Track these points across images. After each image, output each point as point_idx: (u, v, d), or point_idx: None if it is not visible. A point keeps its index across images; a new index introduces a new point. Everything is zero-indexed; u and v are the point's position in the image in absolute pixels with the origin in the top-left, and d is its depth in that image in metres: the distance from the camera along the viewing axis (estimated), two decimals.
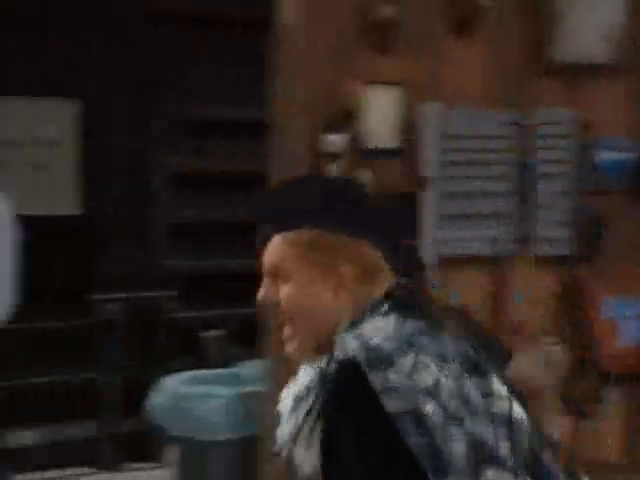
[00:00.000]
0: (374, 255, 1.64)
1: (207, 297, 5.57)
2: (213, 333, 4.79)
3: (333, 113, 2.90)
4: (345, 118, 2.92)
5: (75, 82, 5.34)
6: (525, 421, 1.51)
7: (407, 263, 1.75)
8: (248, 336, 3.51)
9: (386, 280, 1.65)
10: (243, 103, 5.43)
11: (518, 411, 1.51)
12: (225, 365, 4.17)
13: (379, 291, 1.63)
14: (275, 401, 1.64)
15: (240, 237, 5.06)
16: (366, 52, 2.95)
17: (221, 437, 3.58)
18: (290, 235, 1.62)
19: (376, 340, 1.50)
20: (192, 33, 5.62)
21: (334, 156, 2.89)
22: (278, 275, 1.63)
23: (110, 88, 5.45)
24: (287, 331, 1.64)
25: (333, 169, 2.88)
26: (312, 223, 1.62)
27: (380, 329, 1.52)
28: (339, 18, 2.91)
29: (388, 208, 1.80)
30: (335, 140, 2.90)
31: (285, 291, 1.62)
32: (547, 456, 1.53)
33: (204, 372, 4.05)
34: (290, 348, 1.65)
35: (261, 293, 1.66)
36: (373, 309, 1.59)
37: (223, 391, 3.66)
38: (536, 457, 1.51)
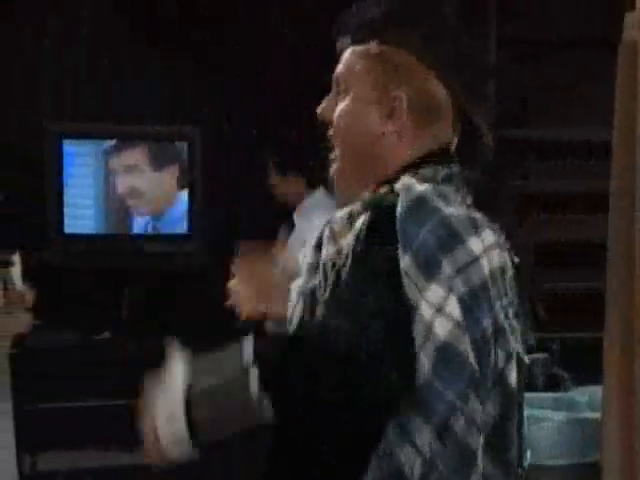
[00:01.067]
0: (440, 91, 1.51)
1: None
2: (538, 356, 4.73)
3: None
4: None
5: None
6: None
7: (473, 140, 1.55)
8: (570, 359, 3.44)
9: (447, 131, 1.53)
10: (590, 123, 5.37)
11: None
12: (552, 389, 4.11)
13: (439, 139, 1.51)
14: (612, 429, 1.62)
15: (589, 259, 4.96)
16: None
17: (550, 462, 3.54)
18: (360, 47, 1.53)
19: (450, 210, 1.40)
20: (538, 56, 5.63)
21: None
22: (340, 90, 1.55)
23: None
24: (334, 152, 1.55)
25: None
26: (383, 36, 1.51)
27: (447, 198, 1.42)
28: None
29: (473, 44, 1.59)
30: None
31: (340, 106, 1.54)
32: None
33: (532, 395, 4.01)
34: (333, 169, 1.57)
35: (320, 107, 1.58)
36: (436, 168, 1.46)
37: (555, 415, 3.62)
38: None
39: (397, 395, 1.32)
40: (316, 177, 3.88)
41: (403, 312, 1.34)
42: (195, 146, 5.11)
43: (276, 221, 3.98)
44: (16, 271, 4.16)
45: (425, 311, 1.34)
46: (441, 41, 1.53)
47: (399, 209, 1.37)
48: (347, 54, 1.55)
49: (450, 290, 1.35)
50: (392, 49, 1.51)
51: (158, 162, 5.12)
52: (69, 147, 5.04)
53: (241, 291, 1.87)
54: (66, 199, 5.04)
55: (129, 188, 5.09)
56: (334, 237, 1.42)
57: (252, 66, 5.18)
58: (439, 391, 1.32)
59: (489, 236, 1.43)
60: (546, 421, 3.58)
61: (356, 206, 1.43)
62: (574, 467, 3.46)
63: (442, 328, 1.34)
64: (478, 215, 1.44)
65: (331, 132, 1.56)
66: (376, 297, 1.33)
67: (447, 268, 1.36)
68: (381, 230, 1.37)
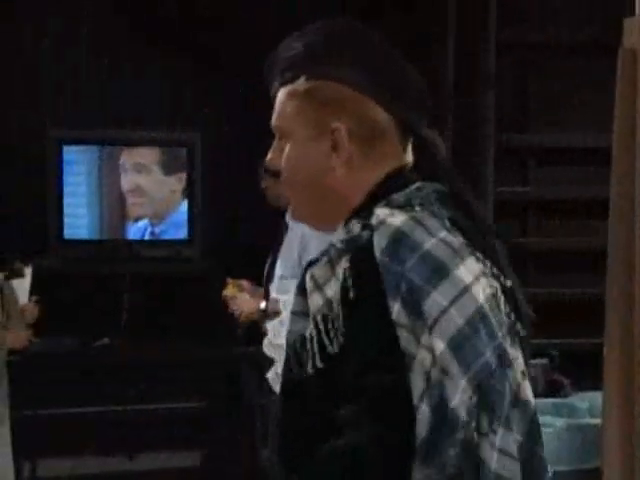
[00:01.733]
0: (379, 113, 1.46)
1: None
2: (538, 362, 4.74)
3: None
4: None
5: None
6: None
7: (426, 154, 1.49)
8: (570, 366, 3.44)
9: (396, 151, 1.48)
10: (590, 129, 5.39)
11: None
12: (552, 395, 4.13)
13: (389, 161, 1.47)
14: (613, 435, 1.62)
15: (589, 265, 4.97)
16: None
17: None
18: (289, 86, 1.48)
19: (431, 241, 1.35)
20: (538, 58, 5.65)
21: None
22: (281, 136, 1.50)
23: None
24: (286, 194, 1.52)
25: None
26: (308, 71, 1.46)
27: (426, 227, 1.36)
28: None
29: (408, 65, 1.51)
30: None
31: (285, 152, 1.49)
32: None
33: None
34: (291, 211, 1.55)
35: (267, 158, 1.53)
36: (407, 192, 1.41)
37: (555, 421, 3.63)
38: None
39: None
40: None
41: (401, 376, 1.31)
42: (195, 151, 5.13)
43: (275, 225, 4.01)
44: (25, 283, 4.16)
45: (421, 356, 1.31)
46: (368, 64, 1.48)
47: (377, 248, 1.34)
48: (280, 97, 1.49)
49: (431, 328, 1.31)
50: (320, 82, 1.46)
51: (167, 165, 5.13)
52: (68, 153, 5.06)
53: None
54: (65, 205, 5.06)
55: (134, 186, 5.08)
56: (318, 286, 1.38)
57: (252, 69, 5.20)
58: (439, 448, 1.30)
59: (474, 265, 1.39)
60: (546, 427, 3.59)
61: (332, 248, 1.39)
62: (574, 473, 3.47)
63: (435, 375, 1.31)
64: (460, 240, 1.40)
65: (282, 179, 1.52)
66: (376, 368, 1.32)
67: (434, 303, 1.32)
68: (364, 276, 1.34)
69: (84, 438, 5.05)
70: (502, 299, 1.41)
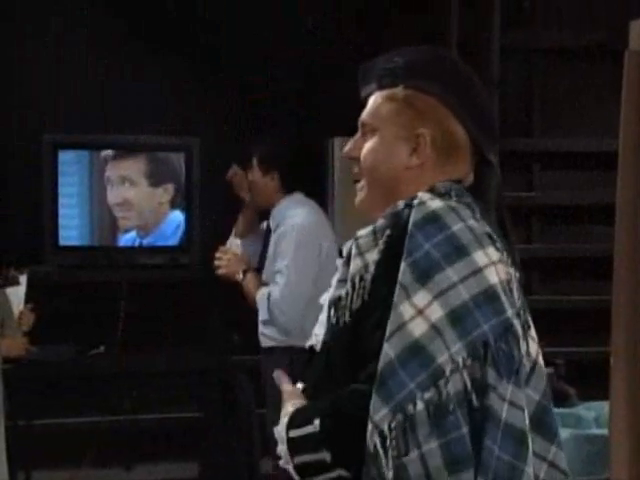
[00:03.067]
0: (459, 131, 1.72)
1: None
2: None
3: None
4: None
5: None
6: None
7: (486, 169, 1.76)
8: (576, 375, 3.43)
9: (464, 167, 1.73)
10: (596, 133, 5.40)
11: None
12: (557, 405, 4.11)
13: (457, 173, 1.71)
14: (620, 444, 1.63)
15: (595, 272, 4.97)
16: None
17: None
18: (387, 91, 1.74)
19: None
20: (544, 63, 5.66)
21: None
22: (366, 130, 1.76)
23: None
24: (360, 183, 1.76)
25: None
26: (408, 82, 1.72)
27: (459, 214, 1.60)
28: None
29: (486, 95, 1.82)
30: None
31: (368, 144, 1.75)
32: None
33: None
34: (358, 199, 1.78)
35: (347, 146, 1.79)
36: (450, 183, 1.66)
37: (561, 432, 3.60)
38: None
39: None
40: (295, 182, 3.93)
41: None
42: (193, 155, 5.13)
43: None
44: (21, 291, 4.15)
45: (405, 311, 1.52)
46: (458, 87, 1.74)
47: (410, 223, 1.58)
48: (374, 98, 1.75)
49: (438, 296, 1.52)
50: (416, 93, 1.72)
51: (154, 177, 5.12)
52: (62, 157, 5.05)
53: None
54: (61, 211, 5.05)
55: (121, 199, 5.09)
56: (360, 252, 1.62)
57: (251, 74, 5.20)
58: (401, 379, 1.49)
59: (493, 253, 1.60)
60: None
61: (380, 222, 1.63)
62: None
63: (417, 328, 1.51)
64: (487, 229, 1.63)
65: (358, 167, 1.76)
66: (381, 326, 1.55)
67: (447, 278, 1.53)
68: (393, 243, 1.58)
69: (80, 449, 5.05)
70: (515, 286, 1.62)
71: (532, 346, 1.64)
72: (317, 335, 1.71)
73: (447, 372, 1.49)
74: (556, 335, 4.98)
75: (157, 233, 5.16)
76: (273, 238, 3.92)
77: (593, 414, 3.68)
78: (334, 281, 1.68)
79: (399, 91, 1.73)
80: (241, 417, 4.74)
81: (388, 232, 1.60)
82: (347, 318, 1.62)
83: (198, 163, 5.13)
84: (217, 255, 3.99)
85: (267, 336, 3.91)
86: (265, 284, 3.93)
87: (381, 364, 1.50)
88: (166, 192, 5.12)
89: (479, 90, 1.78)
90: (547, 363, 4.33)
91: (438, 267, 1.54)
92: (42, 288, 4.37)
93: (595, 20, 5.62)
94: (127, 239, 5.15)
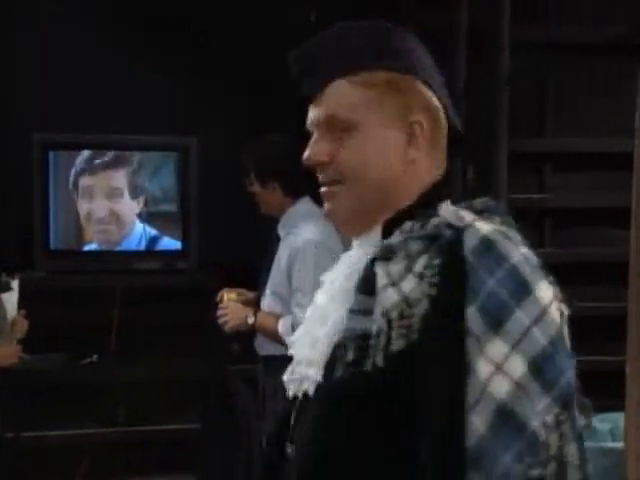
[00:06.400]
0: (440, 109, 1.53)
1: None
2: None
3: None
4: None
5: None
6: None
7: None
8: (591, 385, 3.42)
9: (444, 154, 1.54)
10: (607, 133, 5.39)
11: None
12: None
13: (443, 164, 1.53)
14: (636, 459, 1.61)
15: (610, 277, 4.95)
16: None
17: None
18: (359, 77, 1.49)
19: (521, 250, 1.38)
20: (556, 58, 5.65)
21: None
22: (335, 127, 1.50)
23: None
24: (334, 189, 1.51)
25: None
26: (385, 62, 1.49)
27: (513, 240, 1.40)
28: None
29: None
30: None
31: (350, 144, 1.49)
32: None
33: None
34: (332, 207, 1.53)
35: (309, 151, 1.53)
36: (484, 200, 1.48)
37: None
38: None
39: None
40: (298, 187, 3.90)
41: None
42: (190, 156, 5.12)
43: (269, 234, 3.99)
44: (13, 297, 4.15)
45: (483, 369, 1.32)
46: (426, 60, 1.55)
47: (466, 249, 1.36)
48: (339, 89, 1.50)
49: (515, 346, 1.32)
50: (397, 75, 1.50)
51: (134, 190, 5.11)
52: (53, 158, 5.05)
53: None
54: (51, 213, 5.05)
55: (87, 212, 5.07)
56: (393, 282, 1.39)
57: (248, 74, 5.20)
58: (495, 453, 1.30)
59: (547, 285, 1.41)
60: None
61: (409, 244, 1.42)
62: None
63: (499, 388, 1.31)
64: (537, 259, 1.42)
65: (328, 172, 1.52)
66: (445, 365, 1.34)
67: (518, 321, 1.33)
68: (449, 275, 1.36)
69: (72, 462, 5.04)
70: (566, 325, 1.43)
71: None
72: (308, 378, 1.49)
73: (543, 437, 1.31)
74: (570, 344, 4.95)
75: (122, 245, 5.15)
76: (283, 247, 3.88)
77: (608, 426, 3.67)
78: (341, 311, 1.47)
79: (379, 75, 1.49)
80: (240, 428, 4.73)
81: (429, 259, 1.38)
82: (380, 362, 1.37)
83: (195, 164, 5.12)
84: (218, 313, 3.93)
85: (265, 346, 3.89)
86: (272, 294, 3.87)
87: (472, 441, 1.30)
88: (138, 205, 5.13)
89: (431, 59, 1.58)
90: None
91: (508, 310, 1.33)
92: (32, 294, 4.36)
93: (612, 14, 5.61)
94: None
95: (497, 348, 1.32)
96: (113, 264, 5.12)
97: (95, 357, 5.02)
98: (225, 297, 3.94)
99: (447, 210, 1.46)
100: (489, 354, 1.32)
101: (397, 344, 1.36)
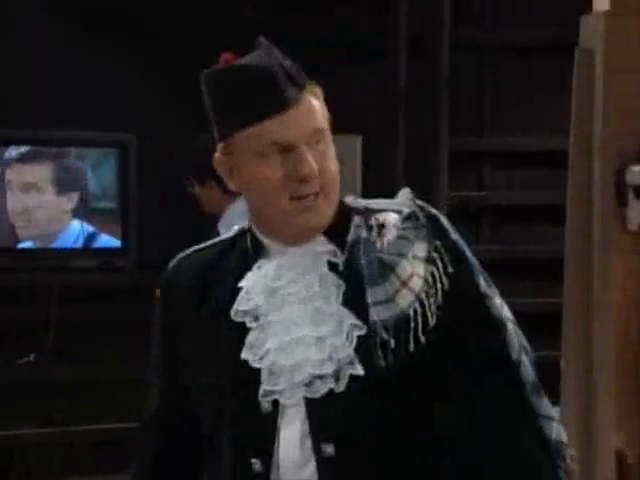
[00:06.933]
0: None
1: None
2: None
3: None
4: None
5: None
6: None
7: None
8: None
9: None
10: (545, 132, 5.46)
11: None
12: None
13: None
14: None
15: (546, 274, 5.00)
16: None
17: None
18: (308, 90, 1.59)
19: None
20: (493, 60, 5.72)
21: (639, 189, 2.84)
22: (312, 139, 1.56)
23: (391, 120, 5.57)
24: (318, 199, 1.57)
25: (636, 204, 2.84)
26: (307, 78, 1.61)
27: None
28: None
29: None
30: None
31: (324, 152, 1.58)
32: None
33: None
34: (315, 217, 1.58)
35: (307, 167, 1.55)
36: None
37: None
38: None
39: None
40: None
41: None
42: (129, 152, 5.10)
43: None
44: None
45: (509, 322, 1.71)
46: None
47: (449, 231, 1.64)
48: (309, 102, 1.57)
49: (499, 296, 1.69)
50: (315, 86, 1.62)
51: (58, 185, 5.07)
52: None
53: None
54: None
55: (20, 207, 5.02)
56: (406, 268, 1.57)
57: (191, 69, 5.19)
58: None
59: None
60: None
61: (406, 233, 1.61)
62: None
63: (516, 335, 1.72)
64: None
65: (315, 183, 1.57)
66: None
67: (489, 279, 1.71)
68: (453, 254, 1.62)
69: (6, 463, 5.00)
70: None
71: None
72: (323, 377, 1.54)
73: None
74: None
75: (56, 244, 5.12)
76: None
77: None
78: (336, 308, 1.57)
79: (314, 86, 1.60)
80: None
81: (438, 243, 1.60)
82: (423, 340, 1.54)
83: (134, 161, 5.11)
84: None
85: None
86: None
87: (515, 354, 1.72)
88: (70, 201, 5.09)
89: None
90: None
91: (484, 271, 1.68)
92: None
93: (548, 16, 5.69)
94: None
95: (498, 300, 1.67)
96: (49, 262, 5.07)
97: (32, 356, 4.98)
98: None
99: (379, 203, 1.67)
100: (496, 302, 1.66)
101: (432, 321, 1.55)
